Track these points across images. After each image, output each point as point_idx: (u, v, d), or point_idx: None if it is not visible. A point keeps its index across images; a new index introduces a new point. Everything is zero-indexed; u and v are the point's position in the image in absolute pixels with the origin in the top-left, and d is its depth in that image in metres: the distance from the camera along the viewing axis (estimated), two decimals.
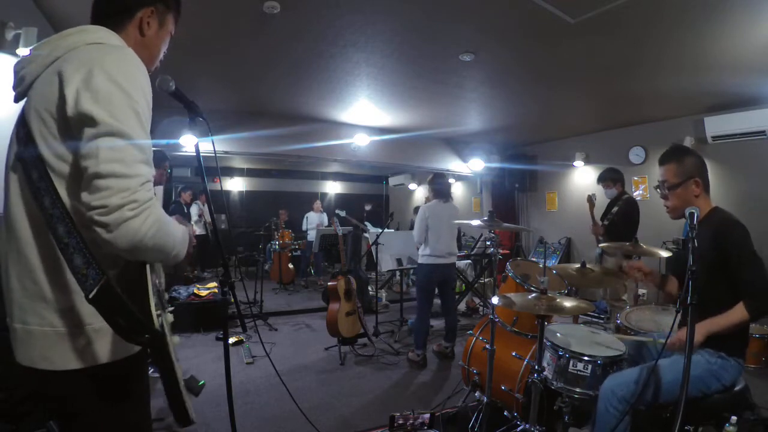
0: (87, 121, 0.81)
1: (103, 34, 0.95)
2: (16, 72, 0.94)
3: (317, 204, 7.82)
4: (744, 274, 1.54)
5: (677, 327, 1.76)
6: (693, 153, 1.79)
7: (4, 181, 0.94)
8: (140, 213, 0.81)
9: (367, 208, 9.38)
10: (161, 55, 1.13)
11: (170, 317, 1.07)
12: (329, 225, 7.47)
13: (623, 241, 2.92)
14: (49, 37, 0.94)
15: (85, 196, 0.80)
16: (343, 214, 6.88)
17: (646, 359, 1.89)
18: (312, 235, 7.37)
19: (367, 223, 7.89)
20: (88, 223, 0.80)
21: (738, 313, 1.53)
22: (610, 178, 4.05)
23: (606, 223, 3.99)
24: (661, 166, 1.81)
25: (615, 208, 3.96)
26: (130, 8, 1.02)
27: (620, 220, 3.87)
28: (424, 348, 3.68)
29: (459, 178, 8.09)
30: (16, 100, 0.96)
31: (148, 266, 0.92)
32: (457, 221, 3.51)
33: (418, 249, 3.82)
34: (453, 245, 3.84)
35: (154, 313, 0.87)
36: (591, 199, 4.07)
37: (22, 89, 0.93)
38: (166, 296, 1.30)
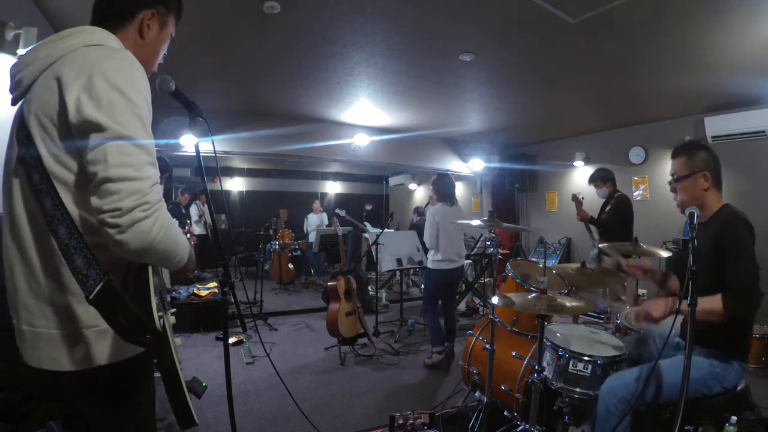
0: (92, 127, 0.81)
1: (101, 35, 0.94)
2: (12, 75, 0.94)
3: (317, 204, 7.79)
4: (733, 267, 1.52)
5: (678, 327, 1.76)
6: (705, 148, 1.78)
7: (5, 182, 0.94)
8: (151, 214, 0.82)
9: (368, 207, 9.37)
10: (161, 58, 1.12)
11: (172, 319, 1.07)
12: (329, 225, 7.47)
13: (618, 239, 2.93)
14: (46, 39, 0.93)
15: (95, 201, 0.80)
16: (342, 213, 6.89)
17: (646, 359, 1.89)
18: (313, 236, 7.37)
19: (366, 223, 7.89)
20: (99, 225, 0.80)
21: (713, 302, 1.49)
22: (599, 177, 4.11)
23: (603, 217, 4.00)
24: (672, 159, 1.82)
25: (608, 207, 3.98)
26: (131, 10, 1.01)
27: (613, 217, 3.89)
28: (443, 344, 3.65)
29: (459, 178, 8.08)
30: (14, 102, 0.96)
31: (150, 267, 0.92)
32: (459, 221, 3.48)
33: (418, 249, 3.79)
34: (462, 248, 3.81)
35: (156, 313, 0.87)
36: (576, 198, 4.11)
37: (19, 92, 0.93)
38: (168, 297, 1.30)
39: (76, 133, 0.83)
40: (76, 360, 0.89)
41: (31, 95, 0.90)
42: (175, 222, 0.94)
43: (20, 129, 0.90)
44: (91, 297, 0.79)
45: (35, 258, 0.89)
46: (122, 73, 0.86)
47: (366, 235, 7.63)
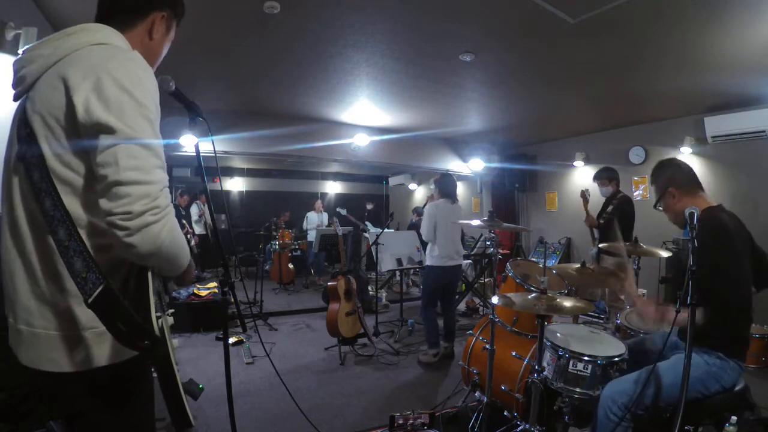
0: (101, 129, 0.81)
1: (106, 33, 0.93)
2: (16, 71, 0.93)
3: (318, 204, 7.80)
4: (719, 275, 1.54)
5: (677, 328, 1.76)
6: (664, 165, 1.87)
7: (5, 180, 0.93)
8: (161, 218, 0.82)
9: (369, 207, 9.38)
10: (160, 60, 1.13)
11: (170, 320, 1.07)
12: (329, 225, 7.48)
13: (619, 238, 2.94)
14: (50, 36, 0.92)
15: (104, 203, 0.80)
16: (344, 212, 6.88)
17: (646, 360, 1.89)
18: (312, 236, 7.37)
19: (367, 222, 7.88)
20: (108, 227, 0.80)
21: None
22: (605, 176, 4.10)
23: (602, 221, 4.01)
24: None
25: (610, 207, 3.99)
26: (143, 10, 1.01)
27: (616, 217, 3.89)
28: (439, 347, 3.69)
29: (459, 178, 8.07)
30: (16, 98, 0.95)
31: (149, 271, 0.92)
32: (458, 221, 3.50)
33: (418, 249, 3.81)
34: (461, 247, 3.86)
35: (155, 319, 0.87)
36: (585, 195, 4.12)
37: (22, 89, 0.92)
38: (167, 298, 1.30)
39: (84, 134, 0.83)
40: (75, 361, 0.88)
41: (35, 93, 0.88)
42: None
43: (21, 126, 0.88)
44: (89, 301, 0.79)
45: (35, 258, 0.88)
46: (130, 74, 0.85)
47: (366, 234, 7.64)
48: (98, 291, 0.79)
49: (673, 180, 1.79)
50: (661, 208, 1.87)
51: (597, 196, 4.25)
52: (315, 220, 7.58)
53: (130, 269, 0.94)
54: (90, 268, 0.80)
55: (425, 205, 4.23)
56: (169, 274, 0.97)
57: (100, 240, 0.87)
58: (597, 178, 4.17)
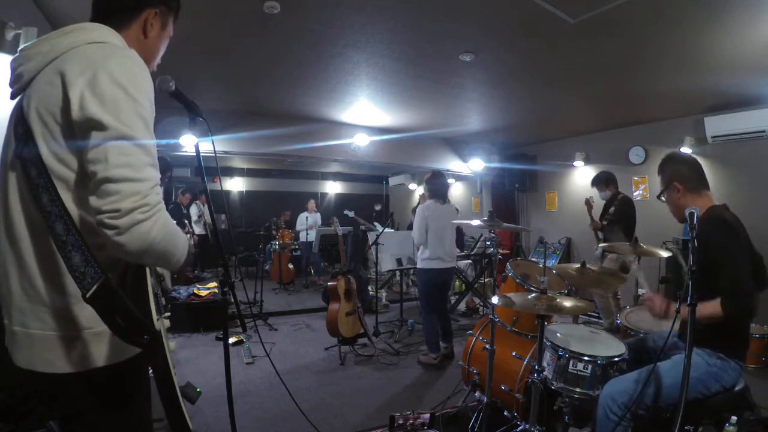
0: (94, 125, 0.80)
1: (103, 32, 0.93)
2: (13, 69, 0.92)
3: (311, 204, 7.76)
4: (722, 274, 1.54)
5: (677, 327, 1.76)
6: (673, 159, 1.87)
7: (2, 179, 0.93)
8: (151, 216, 0.81)
9: (377, 208, 9.40)
10: (159, 58, 1.12)
11: (167, 323, 1.07)
12: (323, 225, 7.47)
13: (622, 239, 2.95)
14: (48, 34, 0.92)
15: (94, 201, 0.79)
16: (351, 214, 6.87)
17: (645, 361, 1.89)
18: (308, 235, 7.37)
19: (376, 223, 7.89)
20: (98, 226, 0.79)
21: (712, 307, 1.53)
22: (603, 182, 4.18)
23: (604, 223, 4.04)
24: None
25: (612, 209, 4.01)
26: (135, 8, 1.01)
27: (617, 219, 3.93)
28: (439, 350, 3.66)
29: (459, 178, 8.09)
30: (13, 97, 0.95)
31: (147, 269, 0.91)
32: (456, 221, 3.49)
33: (419, 249, 3.79)
34: (454, 247, 3.80)
35: (154, 313, 0.86)
36: (589, 202, 4.26)
37: (19, 86, 0.92)
38: (163, 301, 1.30)
39: (77, 130, 0.82)
40: (71, 362, 0.88)
41: (32, 90, 0.88)
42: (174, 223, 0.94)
43: (18, 124, 0.88)
44: (87, 295, 0.78)
45: (31, 258, 0.87)
46: (126, 71, 0.85)
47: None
48: (97, 285, 0.78)
49: (679, 174, 1.79)
50: (663, 199, 1.87)
51: (597, 197, 4.29)
52: (311, 221, 7.56)
53: (128, 266, 0.94)
54: (88, 262, 0.80)
55: (417, 205, 4.21)
56: (167, 269, 0.97)
57: (96, 238, 0.86)
58: (594, 184, 4.25)
